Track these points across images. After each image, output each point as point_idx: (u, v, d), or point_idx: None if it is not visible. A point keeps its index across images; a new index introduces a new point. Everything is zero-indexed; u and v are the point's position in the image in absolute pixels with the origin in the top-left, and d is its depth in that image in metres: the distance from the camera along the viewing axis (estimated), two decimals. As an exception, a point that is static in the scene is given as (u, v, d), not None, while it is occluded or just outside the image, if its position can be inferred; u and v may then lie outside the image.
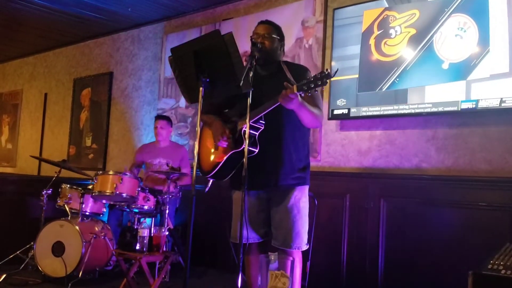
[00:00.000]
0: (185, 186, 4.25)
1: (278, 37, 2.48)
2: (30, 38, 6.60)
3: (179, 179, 4.24)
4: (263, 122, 2.31)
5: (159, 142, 4.44)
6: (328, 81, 2.09)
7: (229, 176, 2.42)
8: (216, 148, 2.45)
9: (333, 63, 3.81)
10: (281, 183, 2.36)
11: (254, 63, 2.19)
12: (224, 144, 2.37)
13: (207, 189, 2.52)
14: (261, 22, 2.52)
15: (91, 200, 3.90)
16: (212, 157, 2.47)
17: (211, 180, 2.50)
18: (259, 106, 2.26)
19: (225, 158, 2.36)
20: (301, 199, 2.40)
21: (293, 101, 2.15)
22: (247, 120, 2.12)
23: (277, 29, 2.50)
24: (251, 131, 2.25)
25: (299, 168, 2.41)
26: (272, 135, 2.35)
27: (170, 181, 3.72)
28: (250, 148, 2.24)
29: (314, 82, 2.09)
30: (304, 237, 2.39)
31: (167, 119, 4.54)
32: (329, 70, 2.10)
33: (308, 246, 2.42)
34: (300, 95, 2.14)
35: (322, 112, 2.45)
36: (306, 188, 2.46)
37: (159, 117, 4.54)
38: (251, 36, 2.42)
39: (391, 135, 3.57)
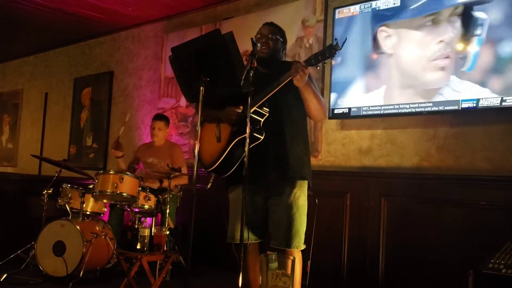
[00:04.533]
0: (182, 185, 4.23)
1: (281, 39, 2.53)
2: (31, 38, 6.60)
3: (174, 178, 4.21)
4: (268, 110, 2.32)
5: (154, 142, 4.43)
6: (336, 53, 2.11)
7: (231, 171, 2.38)
8: (219, 140, 2.43)
9: (333, 62, 3.81)
10: (280, 177, 2.36)
11: (255, 63, 2.20)
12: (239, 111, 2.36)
13: (208, 186, 2.51)
14: (266, 24, 2.56)
15: (91, 199, 3.90)
16: (215, 149, 2.44)
17: (212, 176, 2.48)
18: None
19: (231, 145, 2.33)
20: (300, 197, 2.38)
21: (303, 77, 2.21)
22: (247, 120, 2.11)
23: (280, 32, 2.55)
24: (256, 117, 2.28)
25: (300, 164, 2.41)
26: (272, 131, 2.35)
27: (162, 181, 3.70)
28: (255, 135, 2.26)
29: (322, 55, 2.14)
30: (302, 236, 2.38)
31: (165, 120, 4.43)
32: (337, 41, 2.11)
33: (305, 246, 2.41)
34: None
35: (324, 102, 2.47)
36: (305, 185, 2.44)
37: (157, 118, 4.41)
38: (251, 38, 2.42)
39: (392, 134, 3.57)
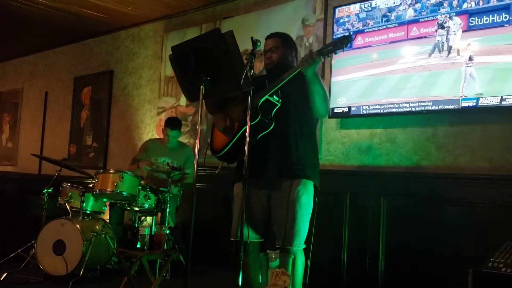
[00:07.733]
0: (187, 185, 4.23)
1: (286, 47, 2.54)
2: (30, 37, 6.59)
3: (181, 179, 4.22)
4: (279, 100, 2.33)
5: (166, 144, 4.38)
6: (347, 44, 2.16)
7: (239, 159, 2.39)
8: (231, 126, 2.43)
9: (333, 62, 3.81)
10: (284, 174, 2.37)
11: (253, 63, 2.21)
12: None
13: (217, 171, 2.52)
14: (268, 37, 2.58)
15: (91, 198, 3.90)
16: (225, 134, 2.45)
17: (221, 164, 2.50)
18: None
19: (238, 134, 2.34)
20: (304, 195, 2.38)
21: (312, 66, 2.23)
22: (248, 119, 2.12)
23: (284, 39, 2.57)
24: (268, 106, 2.30)
25: (305, 163, 2.42)
26: (278, 130, 2.36)
27: (170, 181, 3.70)
28: (266, 122, 2.29)
29: (334, 46, 2.19)
30: (304, 235, 2.38)
31: (179, 128, 4.34)
32: (351, 32, 2.15)
33: (305, 246, 2.41)
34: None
35: (329, 99, 2.49)
36: (310, 184, 2.44)
37: (170, 126, 4.27)
38: (252, 37, 2.42)
39: (391, 133, 3.57)
